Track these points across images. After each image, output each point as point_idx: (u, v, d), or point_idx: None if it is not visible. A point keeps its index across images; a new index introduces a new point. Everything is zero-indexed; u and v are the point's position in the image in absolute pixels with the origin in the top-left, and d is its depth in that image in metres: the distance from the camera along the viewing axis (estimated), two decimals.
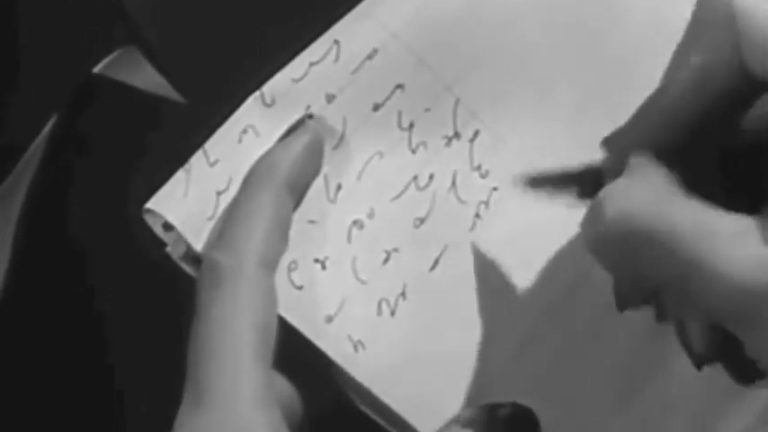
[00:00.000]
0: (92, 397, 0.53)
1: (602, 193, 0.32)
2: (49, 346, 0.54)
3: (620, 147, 0.35)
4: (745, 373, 0.33)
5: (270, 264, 0.38)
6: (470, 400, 0.40)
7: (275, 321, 0.37)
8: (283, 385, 0.38)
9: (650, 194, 0.31)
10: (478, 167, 0.42)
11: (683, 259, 0.29)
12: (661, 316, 0.34)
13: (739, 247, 0.28)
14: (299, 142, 0.39)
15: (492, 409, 0.38)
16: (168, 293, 0.49)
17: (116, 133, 0.57)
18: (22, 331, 0.55)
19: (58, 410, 0.53)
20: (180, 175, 0.39)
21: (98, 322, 0.54)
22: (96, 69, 0.59)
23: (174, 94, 0.54)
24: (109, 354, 0.53)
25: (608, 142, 0.36)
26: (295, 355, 0.38)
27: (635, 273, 0.31)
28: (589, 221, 0.32)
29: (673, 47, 0.43)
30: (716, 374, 0.34)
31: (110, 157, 0.57)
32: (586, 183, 0.37)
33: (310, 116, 0.40)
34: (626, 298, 0.35)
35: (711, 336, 0.33)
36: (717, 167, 0.32)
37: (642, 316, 0.35)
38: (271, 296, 0.38)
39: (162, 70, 0.54)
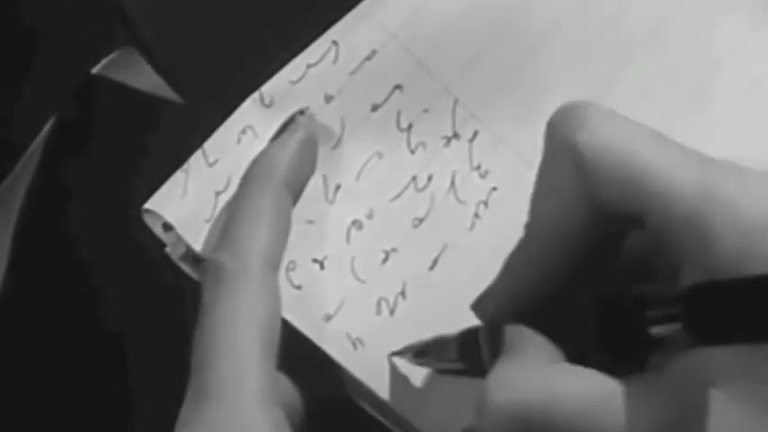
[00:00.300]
0: (93, 397, 0.53)
1: (486, 386, 0.30)
2: (48, 346, 0.54)
3: (490, 310, 0.34)
4: None
5: (273, 263, 0.38)
6: (469, 401, 0.40)
7: (279, 320, 0.38)
8: (285, 384, 0.39)
9: (531, 375, 0.29)
10: (478, 167, 0.42)
11: None
12: None
13: (618, 416, 0.27)
14: (294, 139, 0.40)
15: None
16: (168, 293, 0.49)
17: (115, 134, 0.57)
18: (21, 331, 0.55)
19: (59, 410, 0.53)
20: (179, 175, 0.39)
21: (98, 322, 0.54)
22: (95, 70, 0.59)
23: (172, 95, 0.54)
24: (109, 354, 0.53)
25: (476, 307, 0.35)
26: (295, 353, 0.39)
27: None
28: (478, 411, 0.30)
29: (673, 46, 0.43)
30: None
31: (109, 157, 0.57)
32: (467, 347, 0.36)
33: (302, 112, 0.40)
34: None
35: None
36: (593, 318, 0.30)
37: None
38: (274, 295, 0.38)
39: (161, 71, 0.54)
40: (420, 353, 0.38)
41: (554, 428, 0.28)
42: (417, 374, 0.40)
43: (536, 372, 0.30)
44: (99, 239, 0.55)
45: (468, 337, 0.35)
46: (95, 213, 0.56)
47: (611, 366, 0.28)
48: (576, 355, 0.30)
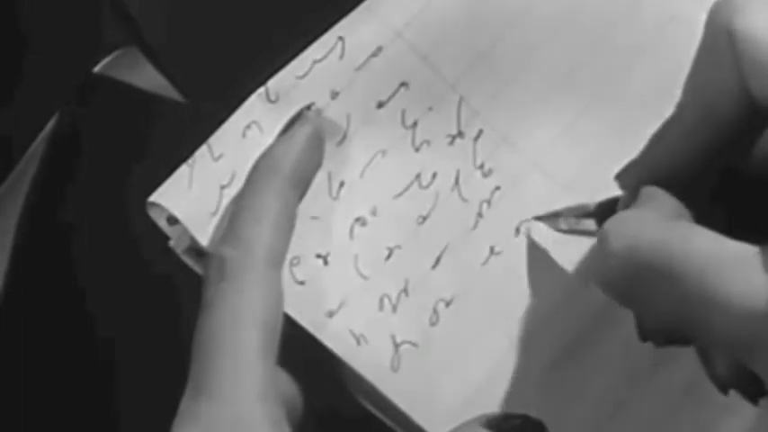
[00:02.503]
0: (91, 392, 0.53)
1: (607, 224, 0.31)
2: (49, 345, 0.54)
3: (632, 179, 0.35)
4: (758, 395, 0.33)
5: (277, 258, 0.38)
6: (469, 398, 0.41)
7: (281, 316, 0.38)
8: (285, 381, 0.39)
9: (656, 224, 0.30)
10: (481, 166, 0.42)
11: (690, 290, 0.28)
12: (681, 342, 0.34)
13: (744, 276, 0.27)
14: (301, 135, 0.40)
15: (505, 418, 0.38)
16: (168, 291, 0.49)
17: (116, 133, 0.57)
18: (22, 330, 0.55)
19: (59, 409, 0.53)
20: (184, 169, 0.39)
21: (98, 319, 0.54)
22: (97, 69, 0.59)
23: (174, 94, 0.54)
24: (108, 350, 0.53)
25: (620, 176, 0.36)
26: (297, 350, 0.39)
27: (648, 306, 0.30)
28: (595, 254, 0.31)
29: (674, 46, 0.43)
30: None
31: (110, 156, 0.57)
32: (604, 216, 0.36)
33: (308, 108, 0.40)
34: (646, 331, 0.35)
35: (733, 361, 0.33)
36: (724, 199, 0.32)
37: None
38: (277, 291, 0.38)
39: (163, 70, 0.54)
40: (559, 219, 0.40)
41: (669, 281, 0.29)
42: (555, 244, 0.41)
43: (662, 221, 0.30)
44: (99, 238, 0.55)
45: (608, 205, 0.36)
46: (96, 212, 0.56)
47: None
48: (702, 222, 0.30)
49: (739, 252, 0.28)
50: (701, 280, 0.28)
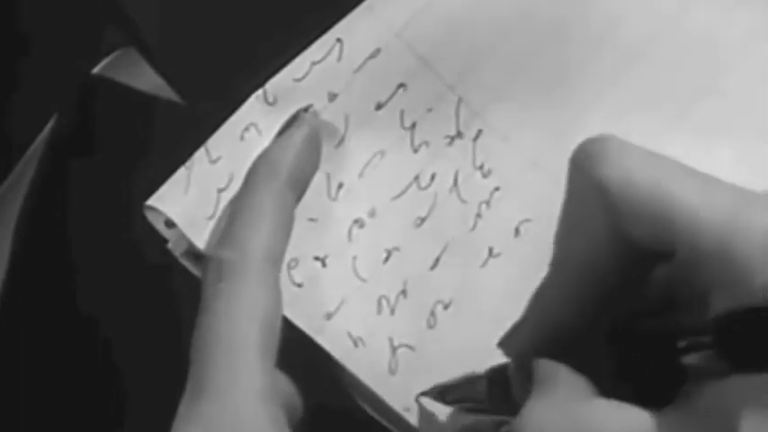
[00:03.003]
0: (91, 394, 0.53)
1: (516, 424, 0.30)
2: (48, 346, 0.53)
3: (518, 347, 0.34)
4: None
5: (274, 260, 0.38)
6: None
7: (279, 318, 0.37)
8: (284, 382, 0.38)
9: (564, 416, 0.29)
10: (481, 167, 0.42)
11: None
12: None
13: None
14: (298, 137, 0.39)
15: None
16: (168, 292, 0.49)
17: (115, 134, 0.57)
18: (21, 331, 0.55)
19: (59, 409, 0.53)
20: (181, 172, 0.39)
21: (98, 321, 0.53)
22: (95, 70, 0.59)
23: (172, 95, 0.54)
24: (109, 353, 0.53)
25: (503, 344, 0.34)
26: (296, 352, 0.38)
27: None
28: None
29: (675, 45, 0.43)
30: None
31: (109, 157, 0.57)
32: (495, 385, 0.36)
33: (305, 110, 0.40)
34: None
35: None
36: (618, 354, 0.30)
37: None
38: (275, 292, 0.38)
39: (161, 71, 0.54)
40: (447, 392, 0.38)
41: None
42: (445, 412, 0.40)
43: (568, 409, 0.29)
44: (99, 239, 0.55)
45: (497, 374, 0.35)
46: (95, 213, 0.55)
47: (641, 398, 0.28)
48: (605, 388, 0.29)
49: (642, 423, 0.27)
50: None
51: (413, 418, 0.40)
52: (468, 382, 0.37)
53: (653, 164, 0.29)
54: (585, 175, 0.30)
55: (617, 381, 0.29)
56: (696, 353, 0.27)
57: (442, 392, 0.39)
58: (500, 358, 0.35)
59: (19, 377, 0.54)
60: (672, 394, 0.28)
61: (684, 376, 0.28)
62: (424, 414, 0.40)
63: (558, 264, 0.32)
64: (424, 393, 0.39)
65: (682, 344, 0.28)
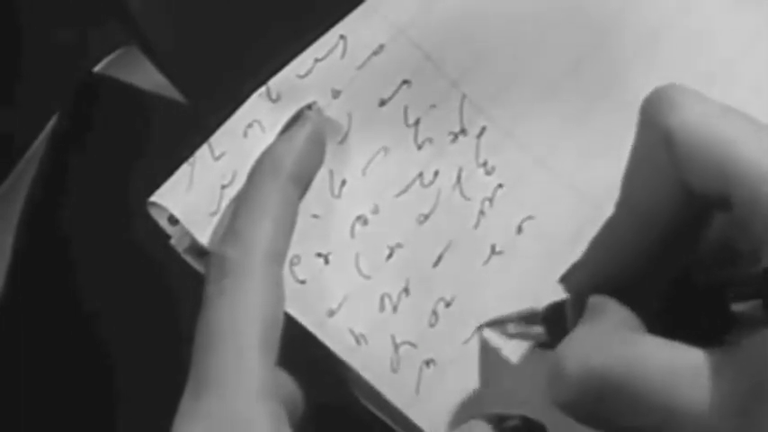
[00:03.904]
0: (94, 394, 0.53)
1: (560, 348, 0.30)
2: (49, 344, 0.53)
3: (577, 284, 0.34)
4: None
5: (277, 257, 0.38)
6: (468, 398, 0.41)
7: (281, 315, 0.37)
8: (285, 379, 0.38)
9: (609, 344, 0.29)
10: (484, 164, 0.42)
11: (651, 404, 0.28)
12: None
13: (700, 384, 0.27)
14: (301, 134, 0.39)
15: (501, 419, 0.38)
16: (169, 290, 0.49)
17: (117, 132, 0.57)
18: (22, 329, 0.55)
19: (60, 408, 0.53)
20: (185, 168, 0.39)
21: (98, 320, 0.53)
22: (97, 69, 0.59)
23: (175, 94, 0.54)
24: (110, 350, 0.53)
25: (564, 280, 0.35)
26: (297, 349, 0.38)
27: (610, 424, 0.30)
28: (551, 376, 0.30)
29: (676, 44, 0.43)
30: None
31: (110, 156, 0.57)
32: (553, 320, 0.37)
33: (309, 107, 0.40)
34: None
35: None
36: (671, 298, 0.31)
37: None
38: (278, 289, 0.38)
39: (163, 69, 0.54)
40: (507, 325, 0.39)
41: (630, 398, 0.28)
42: (508, 347, 0.41)
43: (615, 337, 0.30)
44: (99, 238, 0.55)
45: (556, 309, 0.36)
46: (96, 212, 0.55)
47: (689, 343, 0.28)
48: (656, 331, 0.30)
49: (692, 360, 0.28)
50: (661, 394, 0.28)
51: (415, 415, 0.40)
52: (528, 316, 0.38)
53: (719, 114, 0.30)
54: (653, 121, 0.31)
55: (666, 326, 0.30)
56: (745, 302, 0.28)
57: (503, 324, 0.40)
58: None
59: (19, 374, 0.53)
60: (718, 341, 0.28)
61: (732, 324, 0.28)
62: (486, 348, 0.41)
63: (622, 207, 0.33)
64: (484, 325, 0.40)
65: (733, 291, 0.28)
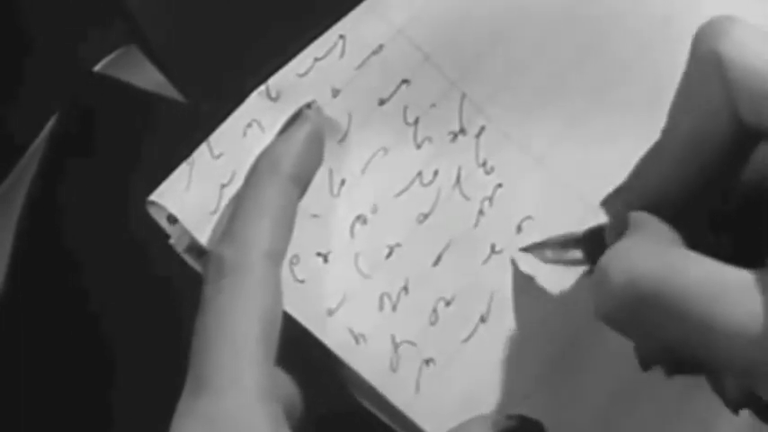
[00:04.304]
0: (93, 394, 0.53)
1: (604, 258, 0.31)
2: (49, 344, 0.53)
3: (620, 206, 0.35)
4: None
5: (276, 256, 0.38)
6: (467, 398, 0.41)
7: (280, 315, 0.37)
8: (284, 379, 0.38)
9: (653, 254, 0.30)
10: (484, 163, 0.42)
11: (691, 318, 0.28)
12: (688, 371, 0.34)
13: (742, 302, 0.27)
14: (301, 133, 0.39)
15: (504, 418, 0.38)
16: (168, 290, 0.49)
17: (116, 132, 0.57)
18: (22, 328, 0.54)
19: (60, 408, 0.53)
20: (184, 167, 0.39)
21: (98, 320, 0.53)
22: (97, 68, 0.59)
23: (174, 93, 0.54)
24: (110, 350, 0.53)
25: (607, 202, 0.36)
26: (296, 352, 0.38)
27: (650, 336, 0.30)
28: (595, 287, 0.31)
29: (678, 45, 0.43)
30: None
31: (110, 155, 0.57)
32: (591, 244, 0.37)
33: (309, 106, 0.40)
34: (647, 359, 0.35)
35: (743, 383, 0.32)
36: (713, 223, 0.32)
37: None
38: (276, 289, 0.37)
39: (162, 69, 0.54)
40: (546, 249, 0.40)
41: (671, 308, 0.28)
42: (542, 271, 0.41)
43: (659, 248, 0.30)
44: (99, 238, 0.55)
45: (594, 233, 0.37)
46: (96, 212, 0.55)
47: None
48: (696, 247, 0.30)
49: (735, 278, 0.28)
50: (702, 308, 0.28)
51: (414, 414, 0.40)
52: (566, 241, 0.39)
53: None
54: (706, 48, 0.31)
55: (706, 250, 0.30)
56: None
57: (542, 248, 0.40)
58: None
59: (19, 373, 0.53)
60: (761, 263, 0.28)
61: None
62: (520, 276, 0.41)
63: (667, 133, 0.33)
64: (525, 249, 0.41)
65: None
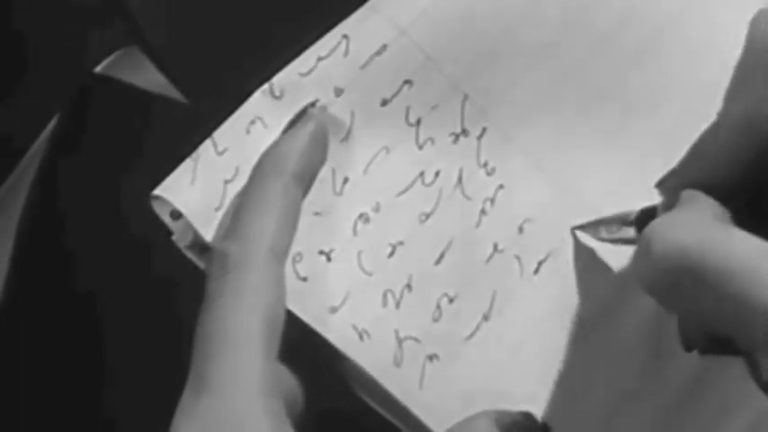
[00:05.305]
0: (94, 393, 0.53)
1: (649, 227, 0.31)
2: (49, 344, 0.54)
3: (672, 188, 0.35)
4: None
5: (279, 254, 0.38)
6: (470, 394, 0.41)
7: (283, 312, 0.37)
8: (287, 376, 0.38)
9: (697, 226, 0.30)
10: (485, 164, 0.42)
11: (732, 292, 0.28)
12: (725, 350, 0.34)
13: None
14: (304, 132, 0.40)
15: (507, 414, 0.38)
16: (168, 289, 0.49)
17: (117, 133, 0.57)
18: (23, 328, 0.55)
19: (60, 407, 0.53)
20: (188, 163, 0.39)
21: (98, 319, 0.53)
22: (98, 69, 0.59)
23: (175, 94, 0.54)
24: (111, 348, 0.53)
25: (661, 184, 0.36)
26: (299, 347, 0.38)
27: (690, 307, 0.31)
28: (638, 256, 0.31)
29: (679, 47, 0.43)
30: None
31: (111, 156, 0.57)
32: (645, 223, 0.37)
33: (313, 105, 0.40)
34: (690, 337, 0.35)
35: None
36: (757, 212, 0.32)
37: None
38: (279, 287, 0.38)
39: (164, 70, 0.54)
40: (602, 226, 0.40)
41: (711, 281, 0.29)
42: (600, 247, 0.42)
43: (705, 220, 0.30)
44: (100, 237, 0.55)
45: (649, 213, 0.36)
46: (96, 212, 0.55)
47: None
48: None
49: None
50: (744, 282, 0.28)
51: (418, 410, 0.40)
52: (621, 219, 0.39)
53: None
54: (761, 36, 0.31)
55: (759, 226, 0.30)
56: None
57: (596, 227, 0.40)
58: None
59: (21, 374, 0.53)
60: None
61: None
62: (581, 248, 0.42)
63: (724, 118, 0.34)
64: (578, 227, 0.41)
65: None
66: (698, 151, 0.35)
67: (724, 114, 0.34)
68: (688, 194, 0.33)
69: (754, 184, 0.32)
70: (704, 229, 0.30)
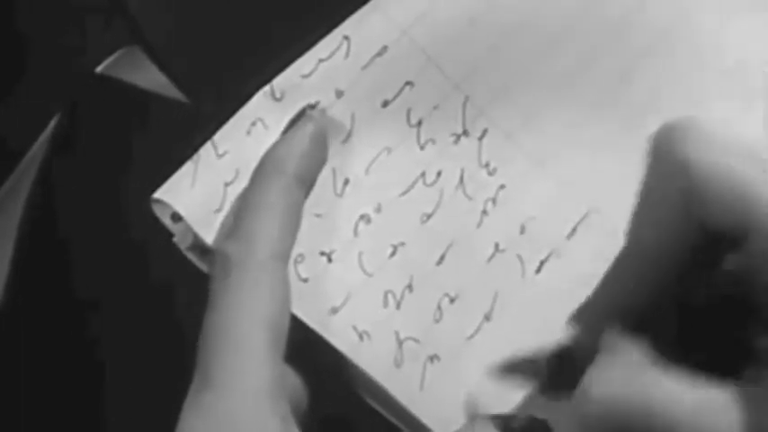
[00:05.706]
0: (94, 394, 0.53)
1: (586, 380, 0.31)
2: (49, 345, 0.53)
3: (589, 320, 0.35)
4: None
5: (282, 255, 0.38)
6: (472, 396, 0.41)
7: (288, 313, 0.38)
8: (291, 376, 0.38)
9: (633, 376, 0.30)
10: (486, 165, 0.42)
11: None
12: None
13: (727, 425, 0.28)
14: (305, 133, 0.40)
15: (510, 417, 0.38)
16: (168, 291, 0.49)
17: (118, 133, 0.57)
18: (23, 329, 0.54)
19: (60, 408, 0.53)
20: (188, 165, 0.39)
21: (98, 321, 0.53)
22: (99, 69, 0.59)
23: (176, 94, 0.54)
24: (111, 350, 0.53)
25: (576, 318, 0.35)
26: (300, 348, 0.38)
27: None
28: (577, 408, 0.31)
29: (683, 47, 0.43)
30: None
31: (111, 156, 0.57)
32: (559, 364, 0.37)
33: (312, 106, 0.40)
34: None
35: None
36: (682, 328, 0.32)
37: None
38: (283, 287, 0.38)
39: (164, 70, 0.54)
40: (508, 370, 0.40)
41: (652, 427, 0.29)
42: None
43: (638, 371, 0.30)
44: (100, 238, 0.55)
45: (562, 351, 0.37)
46: (98, 212, 0.55)
47: (705, 374, 0.29)
48: (671, 357, 0.30)
49: (718, 399, 0.28)
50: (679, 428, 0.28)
51: (419, 411, 0.40)
52: (532, 358, 0.39)
53: (735, 152, 0.29)
54: (668, 154, 0.30)
55: (683, 356, 0.30)
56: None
57: (506, 370, 0.40)
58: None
59: (21, 376, 0.53)
60: (737, 374, 0.28)
61: (753, 358, 0.28)
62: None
63: (632, 242, 0.33)
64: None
65: (754, 327, 0.29)
66: (611, 281, 0.34)
67: (633, 239, 0.33)
68: (611, 340, 0.32)
69: (676, 304, 0.32)
70: (638, 379, 0.30)
